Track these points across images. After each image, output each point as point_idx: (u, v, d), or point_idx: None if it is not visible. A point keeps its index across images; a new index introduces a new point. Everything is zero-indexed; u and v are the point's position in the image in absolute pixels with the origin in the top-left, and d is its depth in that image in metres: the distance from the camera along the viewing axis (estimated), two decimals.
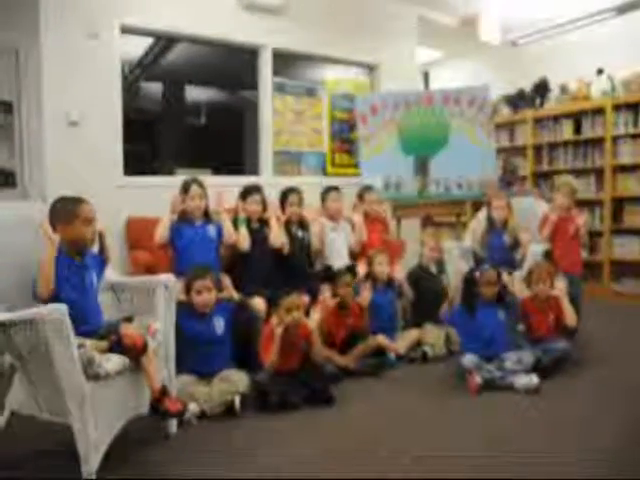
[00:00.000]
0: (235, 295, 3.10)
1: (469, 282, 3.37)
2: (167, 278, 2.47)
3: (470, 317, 3.30)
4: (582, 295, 4.01)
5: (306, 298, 3.38)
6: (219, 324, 2.88)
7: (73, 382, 1.86)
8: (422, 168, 4.90)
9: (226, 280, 3.16)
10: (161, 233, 3.31)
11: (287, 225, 3.80)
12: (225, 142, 4.97)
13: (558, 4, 5.46)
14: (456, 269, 4.04)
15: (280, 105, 4.92)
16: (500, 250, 4.09)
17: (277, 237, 3.64)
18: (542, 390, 3.02)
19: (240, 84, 5.27)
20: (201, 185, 3.42)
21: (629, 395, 2.97)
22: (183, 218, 3.38)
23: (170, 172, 4.54)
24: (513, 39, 6.19)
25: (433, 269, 4.05)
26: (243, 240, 3.52)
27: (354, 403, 2.90)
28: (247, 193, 3.69)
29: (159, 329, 2.32)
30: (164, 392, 2.24)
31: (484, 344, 3.24)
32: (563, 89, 5.97)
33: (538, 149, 6.26)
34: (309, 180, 4.98)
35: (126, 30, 4.13)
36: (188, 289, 2.84)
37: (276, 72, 4.88)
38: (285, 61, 4.97)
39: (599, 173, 5.69)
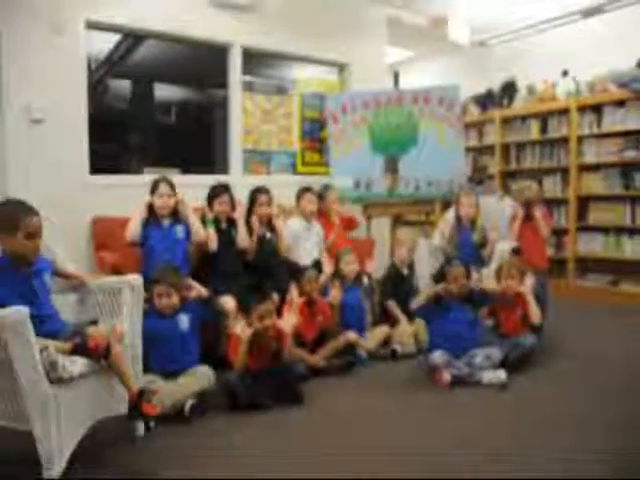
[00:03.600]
0: (204, 292, 3.06)
1: (438, 278, 3.41)
2: (133, 279, 2.43)
3: (440, 313, 3.33)
4: (548, 288, 4.09)
5: (275, 297, 3.38)
6: (183, 320, 2.84)
7: (35, 387, 1.81)
8: (392, 167, 4.92)
9: (190, 281, 3.10)
10: (132, 230, 3.27)
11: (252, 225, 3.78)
12: (194, 141, 4.91)
13: (526, 6, 5.55)
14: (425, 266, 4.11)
15: (250, 104, 4.88)
16: (468, 248, 4.13)
17: (243, 240, 3.62)
18: (510, 385, 3.07)
19: (209, 82, 5.22)
20: (170, 184, 3.37)
21: (593, 390, 3.04)
22: (151, 218, 3.33)
23: (138, 171, 4.46)
24: (481, 40, 6.26)
25: (405, 271, 4.11)
26: (211, 240, 3.49)
27: (324, 402, 2.90)
28: (215, 193, 3.65)
29: (125, 331, 2.27)
30: (141, 395, 2.19)
31: (453, 340, 3.27)
32: (530, 90, 6.07)
33: (506, 148, 6.35)
34: (279, 179, 4.97)
35: (92, 26, 4.04)
36: (151, 292, 2.81)
37: (246, 71, 4.83)
38: (255, 60, 4.93)
39: (564, 172, 5.80)
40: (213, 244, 3.48)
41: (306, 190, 4.18)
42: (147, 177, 3.82)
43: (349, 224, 4.48)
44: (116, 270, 3.14)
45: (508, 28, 6.04)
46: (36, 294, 2.20)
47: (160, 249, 3.30)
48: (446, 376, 3.09)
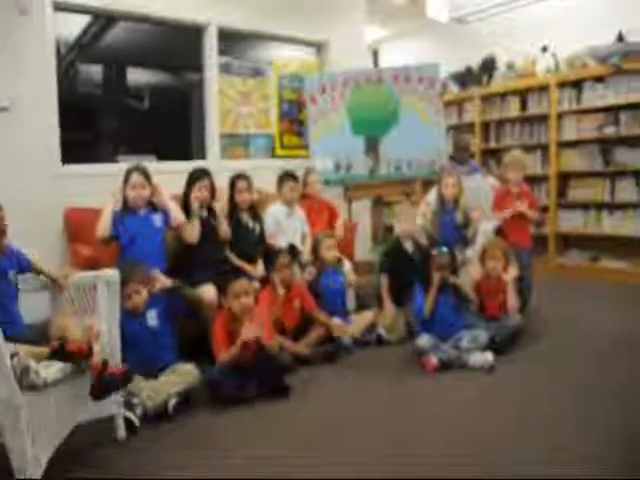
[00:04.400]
0: (168, 282, 2.97)
1: (424, 262, 3.38)
2: (109, 274, 2.34)
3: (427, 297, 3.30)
4: (532, 270, 4.08)
5: (256, 284, 3.32)
6: (151, 316, 2.74)
7: (5, 396, 1.71)
8: (372, 148, 4.85)
9: (155, 272, 3.02)
10: (104, 226, 3.14)
11: (236, 214, 3.70)
12: (170, 126, 4.76)
13: None
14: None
15: (226, 86, 4.75)
16: (452, 228, 4.09)
17: (225, 230, 3.55)
18: (497, 367, 3.06)
19: (184, 66, 5.05)
20: (144, 172, 3.26)
21: (580, 369, 3.04)
22: (126, 209, 3.22)
23: (112, 159, 4.32)
24: (460, 16, 6.17)
25: (409, 247, 3.94)
26: (192, 235, 3.38)
27: (310, 393, 2.86)
28: (194, 178, 3.56)
29: (102, 330, 2.19)
30: (105, 362, 2.10)
31: (440, 324, 3.25)
32: (509, 67, 6.01)
33: (486, 126, 6.31)
34: (258, 163, 4.87)
35: (60, 7, 3.87)
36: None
37: (222, 52, 4.69)
38: (231, 40, 4.79)
39: (545, 149, 5.78)
40: (194, 237, 3.38)
41: (287, 176, 4.09)
42: (122, 165, 3.72)
43: (331, 216, 4.37)
44: (91, 264, 3.03)
45: (487, 4, 5.94)
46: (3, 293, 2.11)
47: (139, 239, 3.19)
48: (433, 360, 3.07)
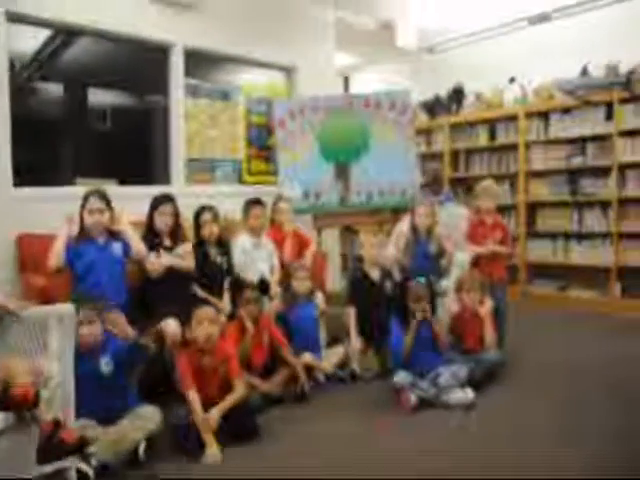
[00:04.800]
0: (130, 332, 2.71)
1: (400, 295, 3.24)
2: (63, 308, 2.12)
3: (404, 332, 3.15)
4: (506, 303, 3.99)
5: (223, 318, 3.12)
6: (106, 362, 2.43)
7: None
8: (343, 175, 4.74)
9: (120, 317, 2.77)
10: (56, 254, 2.89)
11: (203, 247, 3.51)
12: (133, 150, 4.54)
13: (475, 13, 5.51)
14: None
15: (193, 109, 4.58)
16: (425, 259, 3.97)
17: (189, 265, 3.35)
18: (477, 404, 2.93)
19: (149, 88, 4.86)
20: (103, 197, 3.04)
21: (559, 403, 2.94)
22: (83, 236, 2.99)
23: (70, 182, 4.07)
24: (430, 46, 6.19)
25: (375, 275, 3.78)
26: (155, 266, 3.18)
27: (281, 435, 2.66)
28: (156, 204, 3.35)
29: (52, 372, 1.96)
30: (57, 424, 1.87)
31: (417, 359, 3.10)
32: (478, 96, 6.04)
33: (455, 155, 6.31)
34: (224, 189, 4.69)
35: (15, 18, 3.65)
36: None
37: (188, 73, 4.54)
38: (198, 62, 4.64)
39: (513, 178, 5.79)
40: (156, 271, 3.17)
41: (253, 203, 3.91)
42: (80, 188, 3.49)
43: (301, 245, 4.20)
44: (45, 296, 2.79)
45: (456, 34, 5.99)
46: None
47: (97, 269, 2.96)
48: (411, 398, 2.91)
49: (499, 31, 5.79)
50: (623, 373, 3.41)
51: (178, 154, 4.46)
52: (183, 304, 3.06)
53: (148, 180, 4.43)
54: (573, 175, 5.40)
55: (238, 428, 2.58)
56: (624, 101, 4.99)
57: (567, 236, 5.46)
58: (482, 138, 6.03)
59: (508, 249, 3.95)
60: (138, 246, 3.12)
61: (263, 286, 3.24)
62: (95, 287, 2.86)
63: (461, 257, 3.88)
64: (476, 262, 3.87)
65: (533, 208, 5.69)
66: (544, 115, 5.56)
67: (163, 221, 3.31)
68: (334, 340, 3.77)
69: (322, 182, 4.68)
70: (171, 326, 3.02)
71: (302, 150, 4.69)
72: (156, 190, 3.91)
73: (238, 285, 3.21)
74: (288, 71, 5.28)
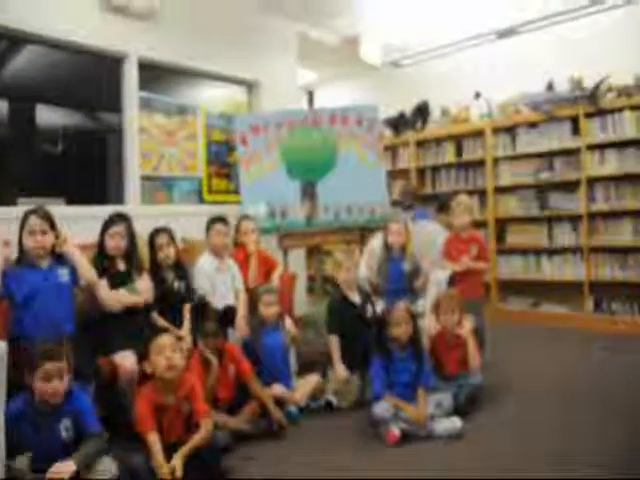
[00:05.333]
0: None
1: (380, 324, 2.99)
2: None
3: (386, 364, 2.90)
4: (485, 322, 3.81)
5: (184, 346, 2.82)
6: (66, 427, 2.09)
7: None
8: (309, 193, 4.51)
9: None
10: None
11: (159, 272, 3.22)
12: (84, 168, 4.18)
13: (440, 27, 5.42)
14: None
15: (148, 124, 4.30)
16: (399, 278, 3.78)
17: (146, 290, 3.06)
18: (463, 432, 2.71)
19: (102, 103, 4.55)
20: (45, 216, 2.70)
21: (551, 430, 2.74)
22: (23, 261, 2.65)
23: (11, 203, 3.71)
24: (394, 60, 6.08)
25: (356, 298, 3.51)
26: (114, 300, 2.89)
27: (252, 474, 2.37)
28: (109, 224, 3.05)
29: None
30: None
31: (399, 388, 2.86)
32: (444, 112, 5.95)
33: (421, 172, 6.18)
34: (183, 209, 4.41)
35: None
36: (31, 368, 2.08)
37: (143, 87, 4.26)
38: (154, 75, 4.37)
39: (482, 194, 5.69)
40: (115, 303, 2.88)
41: (215, 220, 3.64)
42: (22, 209, 3.15)
43: (268, 266, 3.93)
44: None
45: (422, 48, 5.89)
46: None
47: (40, 297, 2.61)
48: (394, 432, 2.66)
49: (465, 44, 5.71)
50: (610, 391, 3.26)
51: (133, 172, 4.16)
52: (140, 335, 2.76)
53: (100, 199, 4.10)
54: (542, 190, 5.32)
55: (204, 473, 2.28)
56: (590, 115, 4.95)
57: (538, 252, 5.36)
58: (449, 154, 5.92)
59: (484, 264, 3.79)
60: (87, 272, 2.80)
61: (228, 316, 2.94)
62: (37, 319, 2.53)
63: (439, 275, 3.68)
64: (453, 280, 3.69)
65: (502, 224, 5.58)
66: (511, 130, 5.49)
67: (116, 243, 3.01)
68: (304, 366, 3.50)
69: (288, 200, 4.45)
70: (128, 360, 2.72)
71: (266, 167, 4.46)
72: (108, 210, 3.61)
73: (201, 313, 2.90)
74: (250, 86, 5.07)
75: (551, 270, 5.27)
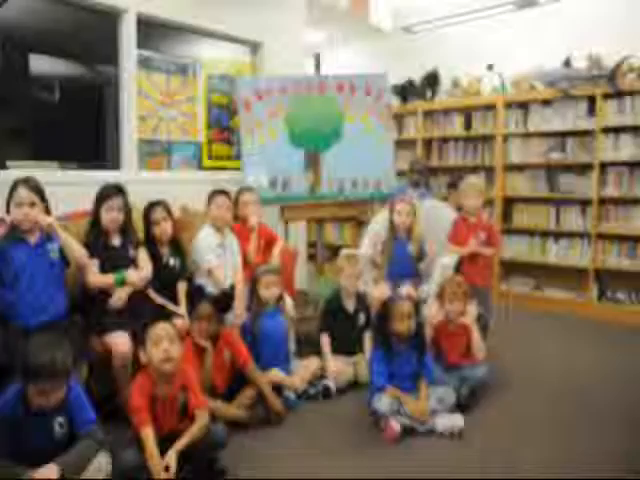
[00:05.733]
0: None
1: (381, 315, 2.87)
2: None
3: (387, 355, 2.79)
4: (492, 310, 3.70)
5: (180, 322, 2.69)
6: (60, 422, 1.95)
7: None
8: (313, 163, 4.32)
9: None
10: None
11: (154, 248, 3.06)
12: (79, 127, 3.93)
13: None
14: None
15: (146, 84, 4.06)
16: (404, 261, 3.65)
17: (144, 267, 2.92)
18: (465, 430, 2.63)
19: (99, 56, 4.28)
20: (35, 187, 2.51)
21: (556, 428, 2.67)
22: (10, 235, 2.48)
23: (1, 165, 3.51)
24: (406, 25, 5.78)
25: (350, 306, 3.38)
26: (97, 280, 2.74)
27: (250, 470, 2.29)
28: (103, 196, 2.87)
29: None
30: None
31: (400, 380, 2.76)
32: (454, 83, 5.70)
33: (428, 143, 5.98)
34: (181, 176, 4.22)
35: None
36: (25, 373, 1.88)
37: (142, 44, 4.00)
38: (152, 32, 4.10)
39: (489, 171, 5.51)
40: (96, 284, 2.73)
41: (217, 192, 3.46)
42: (12, 173, 2.98)
43: (268, 241, 3.78)
44: None
45: (435, 15, 5.59)
46: None
47: (29, 274, 2.45)
48: (394, 427, 2.57)
49: (481, 14, 5.43)
50: (614, 388, 3.19)
51: (129, 135, 3.94)
52: (136, 313, 2.64)
53: (96, 164, 3.88)
54: (552, 171, 5.16)
55: (201, 473, 2.19)
56: (608, 96, 4.74)
57: (544, 234, 5.23)
58: (457, 127, 5.71)
59: (492, 250, 3.65)
60: (76, 251, 2.60)
61: (225, 301, 2.80)
62: (26, 298, 2.40)
63: (445, 260, 3.55)
64: (460, 265, 3.56)
65: (509, 203, 5.43)
66: (523, 106, 5.27)
67: (112, 217, 2.83)
68: (304, 346, 3.41)
69: (291, 170, 4.26)
70: (121, 344, 2.60)
71: (269, 135, 4.24)
72: (104, 176, 3.45)
73: (198, 294, 2.76)
74: (254, 46, 4.79)
75: (556, 254, 5.15)
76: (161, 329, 2.26)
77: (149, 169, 4.07)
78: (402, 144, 5.98)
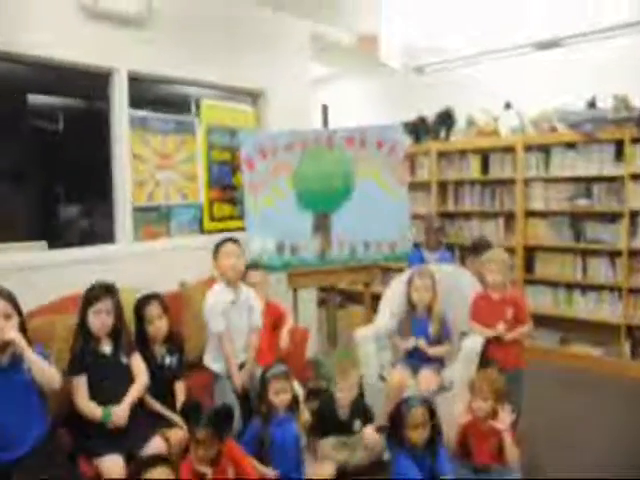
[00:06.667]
0: None
1: (394, 422, 2.57)
2: None
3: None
4: (524, 393, 3.36)
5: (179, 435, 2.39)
6: None
7: None
8: (323, 226, 4.02)
9: None
10: None
11: (147, 347, 2.77)
12: (68, 201, 3.65)
13: (471, 34, 4.81)
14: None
15: (141, 146, 3.76)
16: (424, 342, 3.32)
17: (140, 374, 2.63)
18: None
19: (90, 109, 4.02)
20: (8, 298, 2.20)
21: None
22: None
23: None
24: (418, 66, 5.45)
25: (345, 414, 2.97)
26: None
27: None
28: (90, 299, 2.56)
29: None
30: None
31: None
32: (470, 121, 5.38)
33: (442, 186, 5.65)
34: (181, 242, 3.92)
35: None
36: None
37: (135, 101, 3.70)
38: (146, 90, 3.82)
39: (509, 217, 5.18)
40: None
41: (224, 241, 3.13)
42: None
43: (277, 320, 3.48)
44: None
45: (450, 56, 5.26)
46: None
47: None
48: None
49: (499, 55, 5.10)
50: None
51: (124, 203, 3.64)
52: (132, 427, 2.34)
53: (87, 238, 3.60)
54: (577, 218, 4.82)
55: None
56: (636, 140, 4.41)
57: (570, 285, 4.89)
58: (474, 169, 5.38)
59: (522, 329, 3.31)
60: (46, 377, 2.22)
61: (225, 417, 2.46)
62: None
63: (469, 342, 3.22)
64: (487, 347, 3.23)
65: (531, 252, 5.10)
66: (544, 148, 4.95)
67: (101, 322, 2.54)
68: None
69: (299, 233, 3.96)
70: (114, 467, 2.30)
71: (274, 195, 3.95)
72: (95, 253, 3.20)
73: (194, 412, 2.43)
74: (255, 96, 4.49)
75: (584, 307, 4.81)
76: (154, 456, 1.99)
77: (145, 239, 3.77)
78: (415, 186, 5.65)
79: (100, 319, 2.53)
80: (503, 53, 5.00)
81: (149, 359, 2.74)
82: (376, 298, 3.92)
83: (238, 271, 3.06)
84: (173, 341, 2.87)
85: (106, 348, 2.58)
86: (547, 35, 4.66)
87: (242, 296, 3.09)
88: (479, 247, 4.02)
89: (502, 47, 4.94)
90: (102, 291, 2.57)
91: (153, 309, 2.78)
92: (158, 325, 2.78)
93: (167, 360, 2.81)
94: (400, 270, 4.25)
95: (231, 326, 3.02)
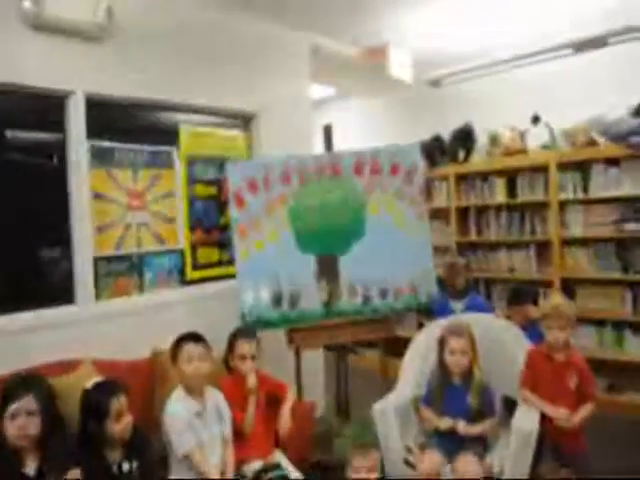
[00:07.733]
0: None
1: None
2: None
3: None
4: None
5: None
6: None
7: None
8: (329, 271, 3.33)
9: None
10: None
11: (98, 451, 2.07)
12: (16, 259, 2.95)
13: (492, 38, 4.18)
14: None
15: (106, 184, 3.10)
16: (460, 417, 2.62)
17: None
18: None
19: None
20: None
21: None
22: None
23: None
24: (432, 79, 4.79)
25: None
26: None
27: None
28: (8, 398, 1.89)
29: None
30: None
31: None
32: (492, 139, 4.71)
33: (463, 214, 4.97)
34: (157, 298, 3.24)
35: None
36: None
37: (97, 130, 3.06)
38: (111, 110, 3.18)
39: (542, 247, 4.50)
40: None
41: (182, 341, 2.49)
42: None
43: (273, 395, 2.78)
44: None
45: (465, 65, 4.62)
46: None
47: None
48: None
49: (528, 60, 4.44)
50: None
51: (84, 253, 2.97)
52: None
53: (40, 299, 2.88)
54: (624, 245, 4.14)
55: None
56: None
57: (617, 324, 4.20)
58: (499, 193, 4.71)
59: (589, 406, 2.60)
60: None
61: None
62: None
63: (522, 421, 2.51)
64: (543, 425, 2.52)
65: (570, 285, 4.39)
66: (582, 166, 4.28)
67: (20, 428, 1.87)
68: None
69: (299, 281, 3.28)
70: None
71: (268, 237, 3.29)
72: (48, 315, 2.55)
73: None
74: (245, 119, 3.85)
75: (636, 348, 4.12)
76: None
77: (113, 296, 3.09)
78: (431, 213, 4.97)
79: (18, 423, 1.86)
80: (537, 57, 4.32)
81: (99, 468, 2.04)
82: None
83: (202, 376, 2.43)
84: (134, 443, 2.16)
85: (29, 468, 1.88)
86: (581, 34, 4.00)
87: (209, 404, 2.45)
88: (521, 295, 3.33)
89: (533, 51, 4.27)
90: (22, 388, 1.90)
91: (115, 403, 2.08)
92: (121, 423, 2.08)
93: (125, 466, 2.11)
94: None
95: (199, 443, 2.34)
